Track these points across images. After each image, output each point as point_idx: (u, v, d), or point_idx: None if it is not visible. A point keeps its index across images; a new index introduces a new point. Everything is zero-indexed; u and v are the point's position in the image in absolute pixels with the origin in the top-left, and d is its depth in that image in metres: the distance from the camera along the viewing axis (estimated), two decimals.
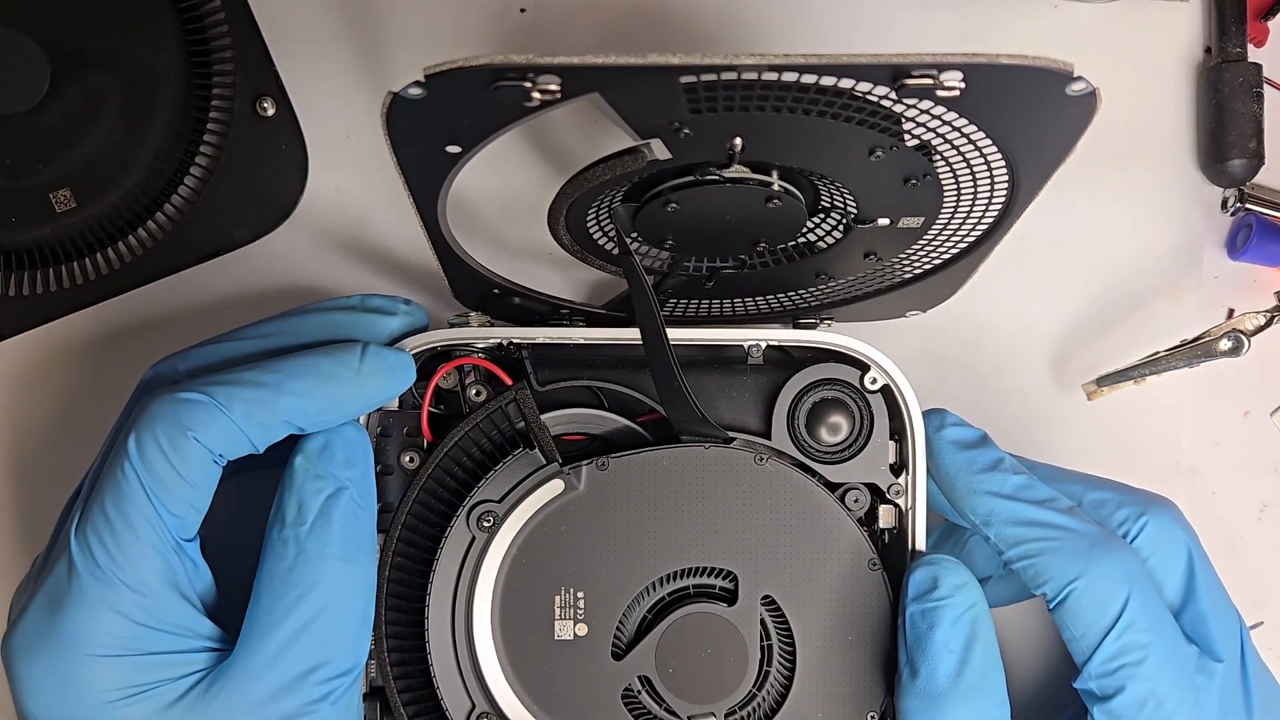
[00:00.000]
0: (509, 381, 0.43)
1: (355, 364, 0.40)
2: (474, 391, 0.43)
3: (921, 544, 0.43)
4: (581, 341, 0.43)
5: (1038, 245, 0.51)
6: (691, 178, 0.38)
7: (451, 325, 0.43)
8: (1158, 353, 0.47)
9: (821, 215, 0.41)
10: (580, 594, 0.42)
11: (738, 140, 0.35)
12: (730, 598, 0.43)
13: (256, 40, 0.48)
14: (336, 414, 0.40)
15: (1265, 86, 0.49)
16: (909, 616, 0.41)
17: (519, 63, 0.29)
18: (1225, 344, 0.45)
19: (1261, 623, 0.52)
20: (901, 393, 0.43)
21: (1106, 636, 0.40)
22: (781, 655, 0.43)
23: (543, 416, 0.43)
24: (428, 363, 0.44)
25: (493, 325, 0.43)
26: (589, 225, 0.42)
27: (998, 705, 0.41)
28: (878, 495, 0.44)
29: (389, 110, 0.31)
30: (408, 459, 0.43)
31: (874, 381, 0.43)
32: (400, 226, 0.50)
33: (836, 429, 0.44)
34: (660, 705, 0.42)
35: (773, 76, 0.30)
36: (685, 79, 0.30)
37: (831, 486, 0.43)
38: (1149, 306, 0.51)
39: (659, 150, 0.35)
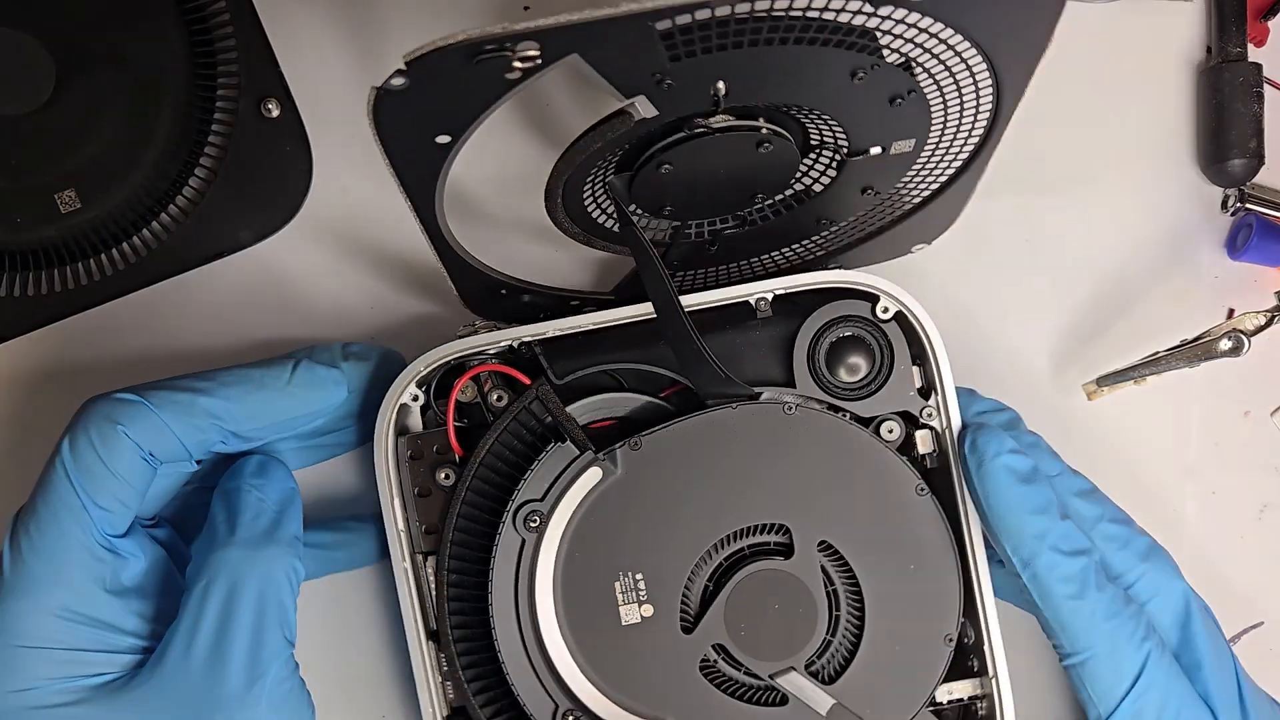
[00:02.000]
0: (527, 381, 0.44)
1: (286, 376, 0.43)
2: (495, 397, 0.44)
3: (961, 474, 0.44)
4: (592, 327, 0.44)
5: (1038, 245, 0.52)
6: (681, 133, 0.38)
7: (460, 337, 0.44)
8: (1158, 353, 0.47)
9: (814, 155, 0.42)
10: (639, 575, 0.43)
11: (721, 84, 0.35)
12: (787, 550, 0.44)
13: (261, 41, 0.49)
14: (266, 421, 0.43)
15: (1265, 86, 0.50)
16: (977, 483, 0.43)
17: (496, 33, 0.29)
18: (1225, 344, 0.46)
19: (1262, 623, 0.52)
20: (915, 315, 0.44)
21: (1124, 700, 0.41)
22: (849, 597, 0.44)
23: (567, 408, 0.44)
24: (444, 379, 0.45)
25: (499, 329, 0.44)
26: (587, 204, 0.43)
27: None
28: (911, 422, 0.45)
29: (375, 106, 0.32)
30: (443, 476, 0.44)
31: (885, 311, 0.44)
32: (406, 228, 0.50)
33: (858, 365, 0.45)
34: (740, 670, 0.44)
35: (746, 7, 0.31)
36: (661, 24, 0.31)
37: (864, 422, 0.44)
38: (1149, 306, 0.51)
39: (644, 107, 0.35)
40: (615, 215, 0.44)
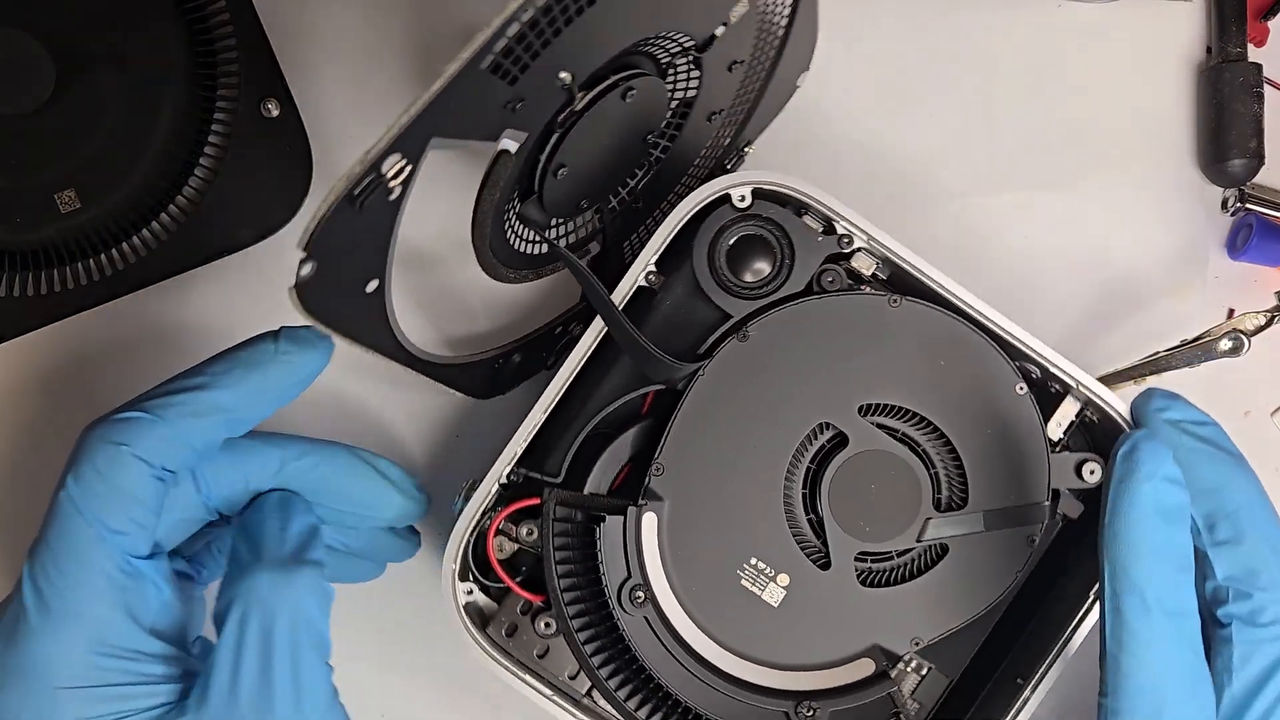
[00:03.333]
0: (538, 500, 0.45)
1: (272, 348, 0.42)
2: (525, 532, 0.45)
3: (901, 250, 0.45)
4: (544, 417, 0.45)
5: (1038, 245, 0.52)
6: (555, 134, 0.39)
7: (459, 512, 0.45)
8: (1158, 353, 0.47)
9: (672, 71, 0.43)
10: (753, 559, 0.44)
11: (564, 75, 0.37)
12: (841, 439, 0.45)
13: (261, 41, 0.51)
14: (265, 400, 0.43)
15: (1265, 86, 0.51)
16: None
17: (359, 170, 0.30)
18: (1225, 344, 0.46)
19: None
20: (764, 182, 0.45)
21: None
22: (919, 429, 0.45)
23: (585, 490, 0.45)
24: (477, 556, 0.46)
25: (476, 486, 0.45)
26: (517, 246, 0.45)
27: None
28: (840, 259, 0.46)
29: (302, 301, 0.32)
30: (544, 626, 0.45)
31: (742, 199, 0.45)
32: (405, 226, 0.50)
33: (761, 260, 0.45)
34: (890, 558, 0.45)
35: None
36: (485, 63, 0.32)
37: (804, 292, 0.45)
38: (1150, 306, 0.52)
39: (514, 139, 0.37)
40: (543, 240, 0.46)
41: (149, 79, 0.49)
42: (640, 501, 0.44)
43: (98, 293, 0.51)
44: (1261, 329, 0.48)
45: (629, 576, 0.44)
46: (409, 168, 0.31)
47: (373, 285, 0.35)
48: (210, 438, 0.42)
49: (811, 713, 0.43)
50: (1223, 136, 0.52)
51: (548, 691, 0.44)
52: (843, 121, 0.53)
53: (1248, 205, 0.53)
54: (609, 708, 0.45)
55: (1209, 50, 0.54)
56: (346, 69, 0.52)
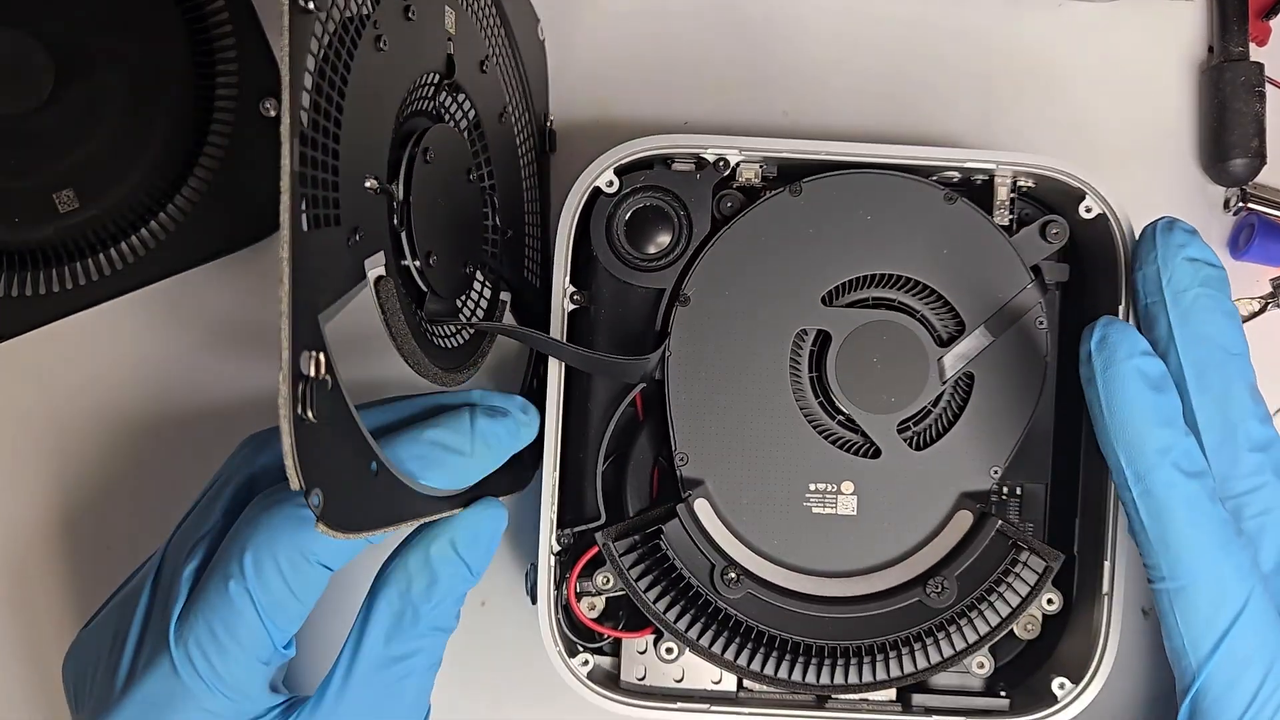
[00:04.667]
0: (596, 549, 0.45)
1: (468, 444, 0.42)
2: (602, 581, 0.45)
3: (770, 144, 0.45)
4: (557, 464, 0.45)
5: None
6: (404, 234, 0.39)
7: (534, 600, 0.45)
8: None
9: (443, 110, 0.43)
10: (811, 485, 0.45)
11: (369, 182, 0.37)
12: (825, 336, 0.46)
13: (261, 41, 0.50)
14: (464, 484, 0.42)
15: (1267, 86, 0.50)
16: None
17: (286, 390, 0.30)
18: None
19: None
20: (618, 159, 0.45)
21: (1224, 639, 0.39)
22: (892, 289, 0.46)
23: (632, 517, 0.46)
24: (575, 627, 0.47)
25: (535, 570, 0.45)
26: (443, 344, 0.44)
27: None
28: (728, 183, 0.47)
29: (335, 528, 0.32)
30: (666, 651, 0.46)
31: (611, 184, 0.46)
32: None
33: (656, 230, 0.46)
34: (928, 412, 0.46)
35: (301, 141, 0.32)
36: (304, 226, 0.32)
37: (714, 230, 0.46)
38: None
39: (376, 264, 0.37)
40: (465, 328, 0.46)
41: (149, 79, 0.49)
42: (684, 495, 0.45)
43: (98, 293, 0.51)
44: (1255, 315, 0.48)
45: (713, 566, 0.44)
46: (322, 354, 0.32)
47: (374, 465, 0.36)
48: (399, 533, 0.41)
49: (941, 587, 0.44)
50: (1224, 136, 0.52)
51: (704, 705, 0.45)
52: (842, 123, 0.53)
53: (1249, 205, 0.53)
54: (768, 687, 0.45)
55: (1211, 49, 0.54)
56: None
